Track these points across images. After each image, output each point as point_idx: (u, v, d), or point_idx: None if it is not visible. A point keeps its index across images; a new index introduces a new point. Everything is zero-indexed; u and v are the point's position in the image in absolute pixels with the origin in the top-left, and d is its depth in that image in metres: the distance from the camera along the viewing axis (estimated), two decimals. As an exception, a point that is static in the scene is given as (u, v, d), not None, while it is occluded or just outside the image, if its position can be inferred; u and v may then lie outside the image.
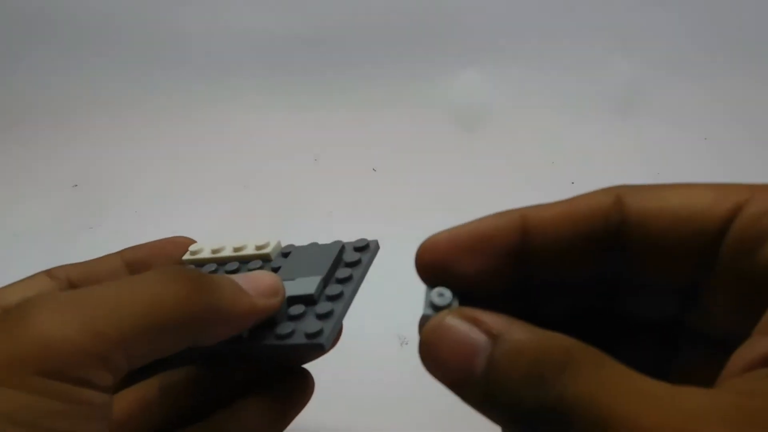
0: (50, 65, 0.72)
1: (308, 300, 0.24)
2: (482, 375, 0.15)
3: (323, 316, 0.24)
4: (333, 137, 0.66)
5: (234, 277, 0.22)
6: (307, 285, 0.24)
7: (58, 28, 0.73)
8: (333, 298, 0.24)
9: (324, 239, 0.27)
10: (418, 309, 0.24)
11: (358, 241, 0.26)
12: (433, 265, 0.18)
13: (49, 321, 0.17)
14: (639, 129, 0.65)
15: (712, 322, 0.17)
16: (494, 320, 0.16)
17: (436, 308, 0.18)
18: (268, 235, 0.29)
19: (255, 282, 0.23)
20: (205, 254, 0.28)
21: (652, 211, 0.17)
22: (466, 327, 0.16)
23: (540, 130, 0.65)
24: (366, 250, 0.26)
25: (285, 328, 0.23)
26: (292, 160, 0.63)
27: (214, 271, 0.28)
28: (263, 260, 0.28)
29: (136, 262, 0.27)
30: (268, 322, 0.24)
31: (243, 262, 0.28)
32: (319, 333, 0.23)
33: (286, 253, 0.28)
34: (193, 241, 0.29)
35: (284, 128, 0.67)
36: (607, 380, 0.14)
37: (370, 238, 0.26)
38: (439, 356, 0.16)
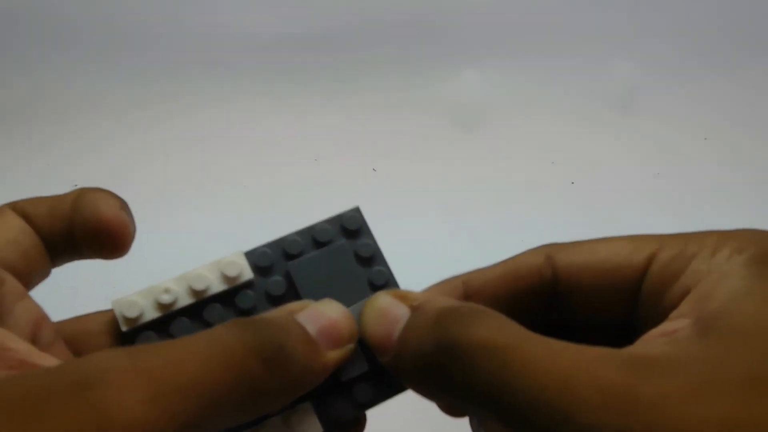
0: (50, 65, 0.72)
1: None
2: (396, 342, 0.18)
3: None
4: (333, 137, 0.66)
5: (301, 316, 0.19)
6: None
7: (58, 28, 0.73)
8: None
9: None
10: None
11: (339, 220, 0.23)
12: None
13: (132, 400, 0.14)
14: (639, 129, 0.65)
15: None
16: (418, 294, 0.19)
17: (375, 288, 0.22)
18: (250, 238, 0.23)
19: (325, 324, 0.19)
20: (149, 315, 0.21)
21: (580, 266, 0.20)
22: (390, 302, 0.19)
23: (540, 130, 0.65)
24: (353, 226, 0.23)
25: (363, 393, 0.21)
26: (292, 160, 0.63)
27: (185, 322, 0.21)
28: (244, 287, 0.22)
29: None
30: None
31: (219, 299, 0.21)
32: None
33: (265, 268, 0.22)
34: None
35: (284, 128, 0.67)
36: (511, 330, 0.16)
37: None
38: (367, 329, 0.19)
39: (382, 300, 0.19)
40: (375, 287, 0.22)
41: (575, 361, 0.15)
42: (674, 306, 0.18)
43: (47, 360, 0.18)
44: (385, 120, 0.67)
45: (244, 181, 0.60)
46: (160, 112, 0.70)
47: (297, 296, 0.22)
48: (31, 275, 0.21)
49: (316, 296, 0.20)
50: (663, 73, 0.69)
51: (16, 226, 0.22)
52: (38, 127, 0.70)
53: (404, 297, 0.19)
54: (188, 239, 0.54)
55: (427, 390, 0.18)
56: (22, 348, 0.18)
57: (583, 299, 0.20)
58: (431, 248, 0.52)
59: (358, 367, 0.21)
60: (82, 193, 0.23)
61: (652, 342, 0.16)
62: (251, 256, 0.22)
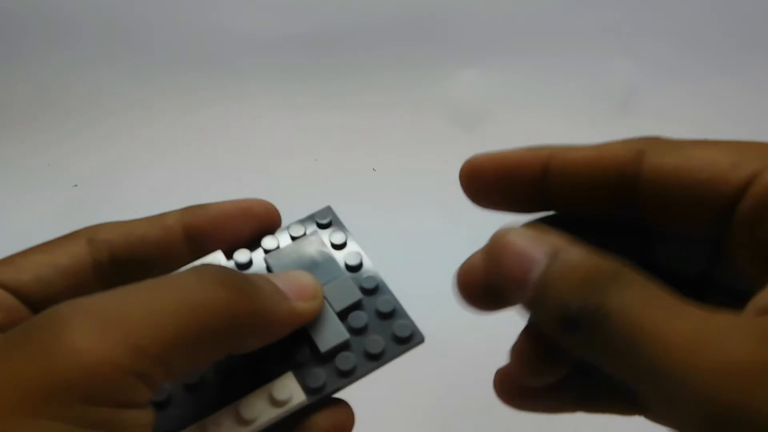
0: (50, 65, 0.72)
1: (356, 305, 0.22)
2: (534, 287, 0.17)
3: (390, 315, 0.22)
4: (333, 137, 0.66)
5: (270, 276, 0.20)
6: (341, 289, 0.22)
7: (58, 28, 0.73)
8: (373, 291, 0.23)
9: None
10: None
11: (312, 218, 0.25)
12: (473, 182, 0.21)
13: (84, 337, 0.15)
14: (639, 129, 0.65)
15: (736, 276, 0.18)
16: (554, 239, 0.17)
17: (350, 269, 0.22)
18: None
19: (293, 283, 0.20)
20: None
21: (669, 170, 0.18)
22: (526, 242, 0.17)
23: (539, 130, 0.65)
24: (325, 219, 0.24)
25: (373, 345, 0.21)
26: (292, 160, 0.63)
27: None
28: None
29: (197, 233, 0.22)
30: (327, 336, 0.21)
31: None
32: (411, 333, 0.21)
33: (243, 264, 0.23)
34: (272, 207, 0.24)
35: (284, 128, 0.67)
36: (648, 297, 0.15)
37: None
38: (499, 266, 0.18)
39: (518, 238, 0.18)
40: (350, 267, 0.23)
41: (702, 331, 0.14)
42: None
43: None
44: (384, 120, 0.67)
45: (244, 180, 0.60)
46: (159, 112, 0.70)
47: None
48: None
49: None
50: (663, 73, 0.69)
51: (74, 253, 0.21)
52: (38, 127, 0.70)
53: (538, 238, 0.17)
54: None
55: (556, 336, 0.17)
56: None
57: (663, 209, 0.18)
58: (431, 248, 0.52)
59: (338, 336, 0.21)
60: (193, 207, 0.23)
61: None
62: (234, 254, 0.23)
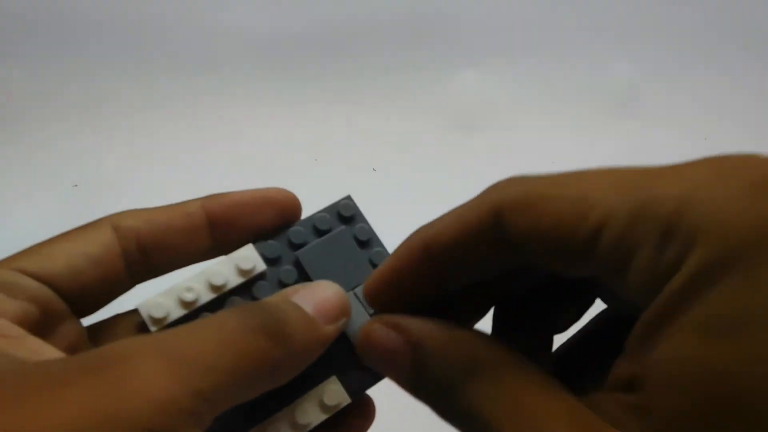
0: (49, 65, 0.72)
1: None
2: (408, 377, 0.18)
3: None
4: (333, 137, 0.66)
5: (296, 298, 0.20)
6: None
7: (57, 28, 0.73)
8: None
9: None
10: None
11: (335, 209, 0.25)
12: (379, 303, 0.21)
13: (153, 375, 0.16)
14: (639, 129, 0.65)
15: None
16: (413, 326, 0.19)
17: (376, 267, 0.22)
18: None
19: (321, 304, 0.20)
20: (175, 314, 0.22)
21: (525, 232, 0.18)
22: (390, 334, 0.19)
23: (540, 130, 0.65)
24: (349, 212, 0.25)
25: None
26: (292, 160, 0.63)
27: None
28: (258, 279, 0.23)
29: (219, 220, 0.23)
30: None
31: (237, 292, 0.23)
32: None
33: (273, 259, 0.23)
34: (292, 195, 0.24)
35: (284, 128, 0.67)
36: (496, 396, 0.16)
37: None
38: (370, 358, 0.19)
39: (379, 331, 0.19)
40: (376, 266, 0.24)
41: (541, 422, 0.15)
42: (635, 297, 0.16)
43: None
44: (384, 120, 0.67)
45: (245, 180, 0.60)
46: (159, 112, 0.70)
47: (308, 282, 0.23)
48: (102, 291, 0.21)
49: (325, 279, 0.22)
50: (663, 73, 0.69)
51: (102, 242, 0.22)
52: (39, 128, 0.70)
53: (400, 327, 0.19)
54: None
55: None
56: (55, 355, 0.19)
57: (539, 260, 0.18)
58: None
59: None
60: (213, 196, 0.23)
61: (605, 403, 0.15)
62: (260, 248, 0.23)
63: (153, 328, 0.21)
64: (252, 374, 0.18)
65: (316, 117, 0.68)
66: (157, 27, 0.72)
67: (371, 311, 0.22)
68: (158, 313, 0.21)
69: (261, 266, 0.23)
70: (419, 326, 0.18)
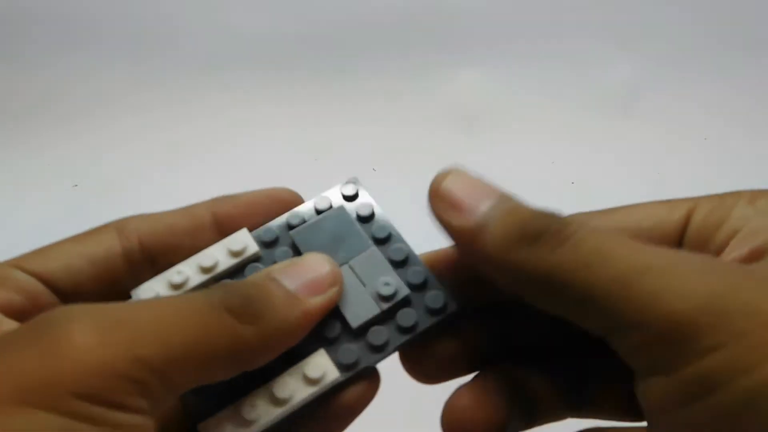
0: (49, 65, 0.72)
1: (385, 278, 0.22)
2: (484, 215, 0.18)
3: (422, 286, 0.22)
4: (333, 137, 0.66)
5: (280, 273, 0.19)
6: (369, 262, 0.22)
7: (57, 28, 0.73)
8: (403, 263, 0.22)
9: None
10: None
11: (338, 190, 0.24)
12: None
13: (86, 339, 0.16)
14: (639, 129, 0.65)
15: None
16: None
17: (386, 299, 0.21)
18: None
19: (307, 277, 0.20)
20: (165, 295, 0.21)
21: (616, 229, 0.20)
22: (478, 180, 0.20)
23: (540, 130, 0.65)
24: (351, 191, 0.24)
25: (405, 317, 0.21)
26: (292, 160, 0.63)
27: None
28: (252, 261, 0.22)
29: (226, 220, 0.23)
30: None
31: (230, 275, 0.22)
32: (444, 303, 0.21)
33: (270, 241, 0.23)
34: (297, 196, 0.24)
35: (284, 128, 0.67)
36: (604, 234, 0.17)
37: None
38: (449, 193, 0.20)
39: (466, 173, 0.20)
40: (378, 240, 0.23)
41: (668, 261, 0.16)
42: (721, 249, 0.18)
43: None
44: (384, 120, 0.67)
45: (245, 181, 0.60)
46: (159, 112, 0.70)
47: None
48: (100, 290, 0.21)
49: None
50: (663, 73, 0.69)
51: (103, 242, 0.22)
52: (39, 127, 0.70)
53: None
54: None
55: (506, 262, 0.18)
56: None
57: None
58: (431, 248, 0.52)
59: (369, 311, 0.21)
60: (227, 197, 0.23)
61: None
62: (256, 233, 0.23)
63: None
64: (216, 353, 0.17)
65: (316, 117, 0.68)
66: (157, 27, 0.72)
67: (367, 282, 0.22)
68: (147, 296, 0.21)
69: (253, 248, 0.22)
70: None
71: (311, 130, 0.67)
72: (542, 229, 0.17)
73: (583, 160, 0.61)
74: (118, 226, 0.22)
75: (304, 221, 0.23)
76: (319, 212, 0.23)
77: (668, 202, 0.20)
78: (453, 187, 0.20)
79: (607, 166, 0.61)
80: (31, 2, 0.72)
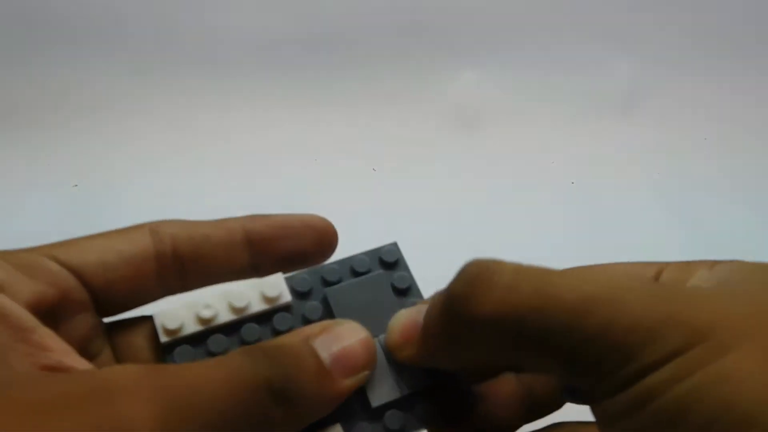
0: (50, 65, 0.72)
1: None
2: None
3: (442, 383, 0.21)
4: (333, 137, 0.66)
5: (316, 342, 0.19)
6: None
7: (57, 28, 0.73)
8: None
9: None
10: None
11: (377, 253, 0.23)
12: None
13: (146, 416, 0.15)
14: (639, 129, 0.65)
15: None
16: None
17: (410, 386, 0.21)
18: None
19: (344, 352, 0.19)
20: (189, 329, 0.21)
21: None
22: (412, 310, 0.21)
23: (540, 130, 0.65)
24: (391, 258, 0.24)
25: (425, 410, 0.21)
26: (292, 160, 0.63)
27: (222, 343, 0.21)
28: (281, 310, 0.22)
29: (258, 239, 0.22)
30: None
31: (257, 319, 0.22)
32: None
33: (303, 293, 0.22)
34: (330, 224, 0.24)
35: (284, 128, 0.67)
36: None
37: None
38: (392, 335, 0.21)
39: (404, 311, 0.21)
40: None
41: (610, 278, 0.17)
42: None
43: (81, 364, 0.18)
44: (384, 120, 0.67)
45: (245, 180, 0.61)
46: (159, 111, 0.70)
47: None
48: (130, 291, 0.21)
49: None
50: (663, 73, 0.69)
51: (138, 242, 0.21)
52: (39, 127, 0.70)
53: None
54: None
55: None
56: (61, 348, 0.18)
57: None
58: (431, 248, 0.52)
59: (391, 393, 0.21)
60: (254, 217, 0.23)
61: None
62: (290, 280, 0.22)
63: (164, 339, 0.21)
64: (248, 428, 0.17)
65: (316, 117, 0.68)
66: (157, 28, 0.72)
67: (393, 361, 0.21)
68: (172, 325, 0.21)
69: (287, 297, 0.22)
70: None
71: (311, 130, 0.67)
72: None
73: (583, 160, 0.61)
74: (152, 228, 0.22)
75: (341, 279, 0.23)
76: (355, 273, 0.23)
77: (640, 263, 0.20)
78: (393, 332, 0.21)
79: (607, 166, 0.61)
80: (32, 3, 0.72)
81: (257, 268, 0.23)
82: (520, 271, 0.17)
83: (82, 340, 0.20)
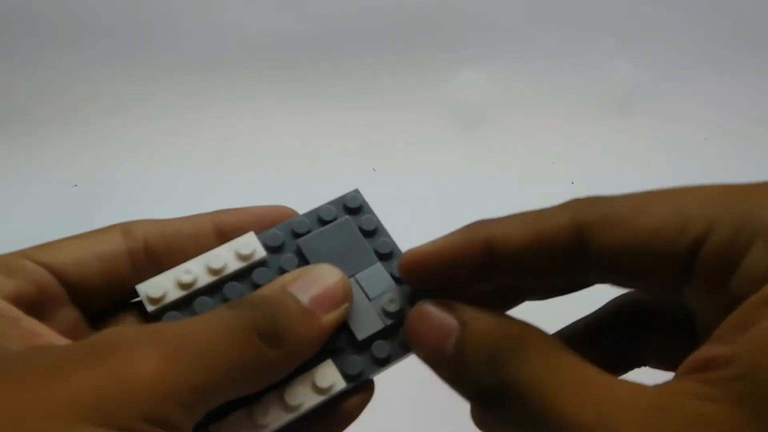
0: (49, 65, 0.72)
1: (389, 293, 0.23)
2: (452, 354, 0.19)
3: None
4: (333, 137, 0.66)
5: (294, 287, 0.20)
6: (374, 277, 0.23)
7: (57, 28, 0.73)
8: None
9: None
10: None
11: (341, 201, 0.25)
12: (413, 275, 0.21)
13: (151, 368, 0.16)
14: (639, 129, 0.65)
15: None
16: (464, 308, 0.19)
17: (390, 315, 0.22)
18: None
19: (322, 291, 0.21)
20: (173, 295, 0.22)
21: (616, 249, 0.18)
22: (441, 313, 0.20)
23: (540, 130, 0.65)
24: (354, 204, 0.25)
25: (380, 350, 0.22)
26: (292, 160, 0.63)
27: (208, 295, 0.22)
28: (258, 266, 0.23)
29: (227, 229, 0.24)
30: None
31: (236, 278, 0.23)
32: None
33: (276, 247, 0.23)
34: (295, 213, 0.25)
35: (284, 129, 0.67)
36: (550, 368, 0.16)
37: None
38: (419, 337, 0.20)
39: (431, 310, 0.20)
40: (381, 255, 0.24)
41: (599, 407, 0.15)
42: (738, 300, 0.16)
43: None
44: (384, 120, 0.67)
45: (245, 180, 0.61)
46: (160, 111, 0.70)
47: None
48: (105, 286, 0.22)
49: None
50: (663, 73, 0.69)
51: (109, 240, 0.23)
52: (38, 126, 0.70)
53: (450, 308, 0.20)
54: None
55: (478, 406, 0.19)
56: (50, 333, 0.20)
57: (616, 278, 0.19)
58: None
59: (374, 325, 0.22)
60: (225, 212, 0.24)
61: (684, 383, 0.15)
62: (262, 237, 0.23)
63: (150, 308, 0.22)
64: (249, 375, 0.18)
65: (316, 117, 0.68)
66: (158, 27, 0.72)
67: (372, 296, 0.22)
68: (155, 293, 0.22)
69: (261, 252, 0.23)
70: (465, 307, 0.19)
71: (311, 130, 0.67)
72: (489, 390, 0.17)
73: (583, 160, 0.61)
74: (124, 228, 0.23)
75: (310, 230, 0.24)
76: (323, 222, 0.24)
77: (681, 204, 0.18)
78: (418, 336, 0.21)
79: (607, 166, 0.61)
80: (32, 3, 0.72)
81: None
82: None
83: (67, 332, 0.21)
